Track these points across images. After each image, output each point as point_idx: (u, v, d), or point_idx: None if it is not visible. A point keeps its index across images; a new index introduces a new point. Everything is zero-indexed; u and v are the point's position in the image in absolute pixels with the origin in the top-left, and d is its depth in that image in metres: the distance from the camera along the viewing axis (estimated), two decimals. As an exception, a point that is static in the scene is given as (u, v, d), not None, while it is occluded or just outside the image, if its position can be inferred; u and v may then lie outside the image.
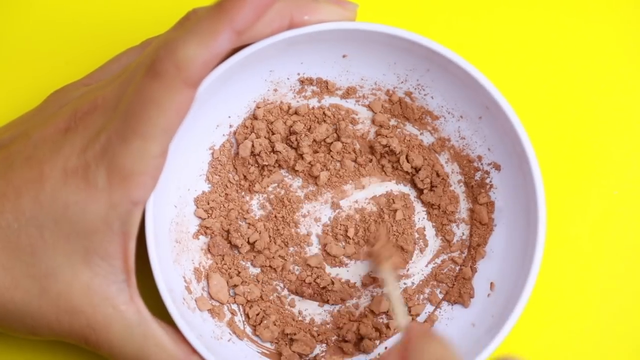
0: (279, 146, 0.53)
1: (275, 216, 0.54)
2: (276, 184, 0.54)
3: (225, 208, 0.54)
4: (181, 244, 0.52)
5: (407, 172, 0.54)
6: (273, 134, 0.53)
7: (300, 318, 0.54)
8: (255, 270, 0.54)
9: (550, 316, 0.55)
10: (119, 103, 0.45)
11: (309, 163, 0.54)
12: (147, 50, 0.46)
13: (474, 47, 0.57)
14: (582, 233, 0.56)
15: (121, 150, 0.44)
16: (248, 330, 0.53)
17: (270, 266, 0.54)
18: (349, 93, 0.54)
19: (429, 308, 0.54)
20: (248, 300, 0.53)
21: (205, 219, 0.53)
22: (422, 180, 0.54)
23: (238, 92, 0.52)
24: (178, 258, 0.52)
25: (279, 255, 0.54)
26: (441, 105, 0.53)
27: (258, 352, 0.52)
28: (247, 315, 0.53)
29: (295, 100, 0.54)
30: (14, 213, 0.45)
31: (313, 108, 0.54)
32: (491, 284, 0.52)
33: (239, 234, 0.53)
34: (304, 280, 0.54)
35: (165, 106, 0.43)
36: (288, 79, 0.53)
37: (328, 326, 0.54)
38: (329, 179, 0.54)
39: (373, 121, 0.54)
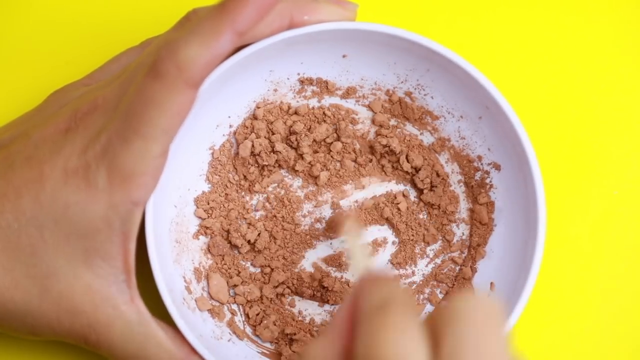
0: (279, 146, 0.53)
1: (275, 216, 0.54)
2: (276, 184, 0.54)
3: (225, 208, 0.54)
4: (181, 244, 0.52)
5: (407, 172, 0.54)
6: (273, 134, 0.53)
7: (300, 318, 0.54)
8: (255, 270, 0.54)
9: (550, 316, 0.55)
10: (120, 103, 0.45)
11: (309, 163, 0.54)
12: (147, 50, 0.46)
13: (474, 47, 0.57)
14: (582, 233, 0.56)
15: (122, 151, 0.44)
16: (248, 330, 0.53)
17: (270, 266, 0.54)
18: (349, 93, 0.54)
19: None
20: (248, 300, 0.53)
21: (205, 219, 0.53)
22: (422, 180, 0.54)
23: (238, 92, 0.52)
24: (178, 258, 0.52)
25: (279, 255, 0.54)
26: (441, 105, 0.53)
27: (258, 352, 0.52)
28: (247, 315, 0.53)
29: (295, 100, 0.54)
30: (14, 213, 0.45)
31: (313, 108, 0.54)
32: (491, 284, 0.52)
33: (239, 234, 0.53)
34: (304, 280, 0.54)
35: (166, 106, 0.43)
36: (288, 79, 0.53)
37: (328, 326, 0.54)
38: (329, 179, 0.54)
39: (373, 121, 0.54)
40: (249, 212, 0.54)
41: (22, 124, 0.49)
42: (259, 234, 0.53)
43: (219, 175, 0.54)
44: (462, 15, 0.57)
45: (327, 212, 0.54)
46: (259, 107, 0.54)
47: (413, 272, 0.54)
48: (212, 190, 0.53)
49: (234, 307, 0.53)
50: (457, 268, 0.54)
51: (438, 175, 0.54)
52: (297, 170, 0.54)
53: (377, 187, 0.55)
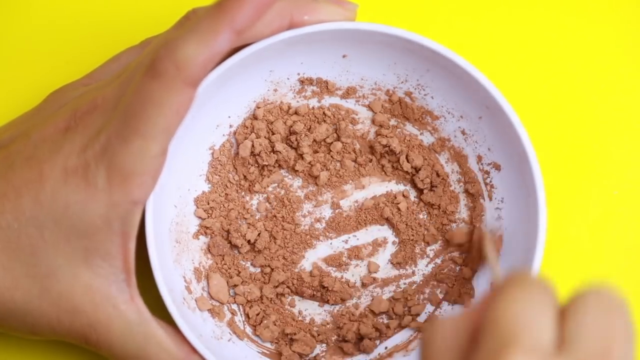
0: (279, 146, 0.53)
1: (275, 216, 0.54)
2: (276, 184, 0.54)
3: (225, 208, 0.54)
4: (181, 244, 0.52)
5: (407, 172, 0.54)
6: (273, 134, 0.53)
7: (300, 318, 0.54)
8: (255, 270, 0.54)
9: (550, 316, 0.55)
10: (119, 103, 0.45)
11: (309, 163, 0.54)
12: (146, 49, 0.46)
13: (474, 47, 0.57)
14: (582, 233, 0.56)
15: (121, 150, 0.44)
16: (248, 330, 0.53)
17: (270, 266, 0.54)
18: (349, 93, 0.54)
19: (429, 308, 0.54)
20: (248, 300, 0.53)
21: (205, 219, 0.53)
22: (422, 180, 0.54)
23: (238, 92, 0.52)
24: (178, 258, 0.52)
25: (279, 255, 0.54)
26: (441, 105, 0.53)
27: (258, 352, 0.52)
28: (247, 315, 0.53)
29: (295, 100, 0.54)
30: (14, 213, 0.45)
31: (313, 108, 0.54)
32: (491, 284, 0.52)
33: (239, 234, 0.53)
34: (304, 280, 0.54)
35: (165, 106, 0.43)
36: (288, 79, 0.53)
37: (328, 326, 0.54)
38: (329, 179, 0.54)
39: (373, 121, 0.54)
40: (249, 212, 0.54)
41: (21, 124, 0.49)
42: (259, 234, 0.53)
43: (219, 175, 0.54)
44: (462, 15, 0.57)
45: (327, 212, 0.54)
46: (259, 107, 0.54)
47: (413, 272, 0.54)
48: (212, 190, 0.53)
49: (234, 307, 0.53)
50: (457, 268, 0.54)
51: (438, 175, 0.54)
52: (297, 170, 0.54)
53: (377, 187, 0.55)
